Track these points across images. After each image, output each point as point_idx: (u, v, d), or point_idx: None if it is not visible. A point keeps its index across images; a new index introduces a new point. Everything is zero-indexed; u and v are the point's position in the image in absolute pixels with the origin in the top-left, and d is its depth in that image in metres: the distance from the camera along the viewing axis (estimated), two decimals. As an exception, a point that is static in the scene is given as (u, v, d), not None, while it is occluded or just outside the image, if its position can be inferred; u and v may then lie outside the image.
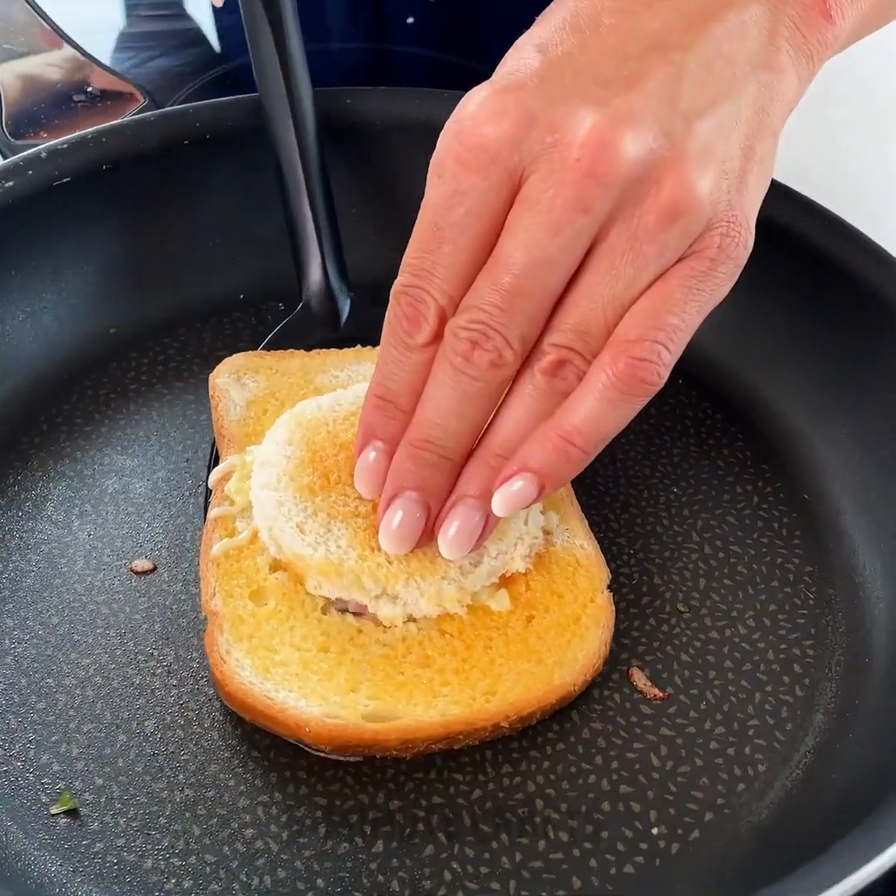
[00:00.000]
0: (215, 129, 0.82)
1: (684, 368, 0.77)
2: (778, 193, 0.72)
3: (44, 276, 0.79)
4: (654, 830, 0.58)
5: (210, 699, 0.62)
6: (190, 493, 0.72)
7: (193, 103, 0.82)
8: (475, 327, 0.53)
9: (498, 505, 0.57)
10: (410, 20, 1.12)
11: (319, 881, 0.56)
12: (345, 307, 0.76)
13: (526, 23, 0.56)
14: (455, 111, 0.53)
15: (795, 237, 0.76)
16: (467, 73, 0.84)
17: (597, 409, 0.53)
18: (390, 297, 0.55)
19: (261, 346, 0.75)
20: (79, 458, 0.73)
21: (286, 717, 0.58)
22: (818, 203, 0.77)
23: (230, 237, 0.83)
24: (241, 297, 0.83)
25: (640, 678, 0.64)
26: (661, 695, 0.63)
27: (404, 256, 0.55)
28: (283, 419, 0.66)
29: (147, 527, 0.70)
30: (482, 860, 0.57)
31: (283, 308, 0.82)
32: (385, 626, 0.62)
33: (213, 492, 0.67)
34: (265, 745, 0.60)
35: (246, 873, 0.56)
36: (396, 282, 0.55)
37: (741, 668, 0.65)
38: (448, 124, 0.53)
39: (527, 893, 0.56)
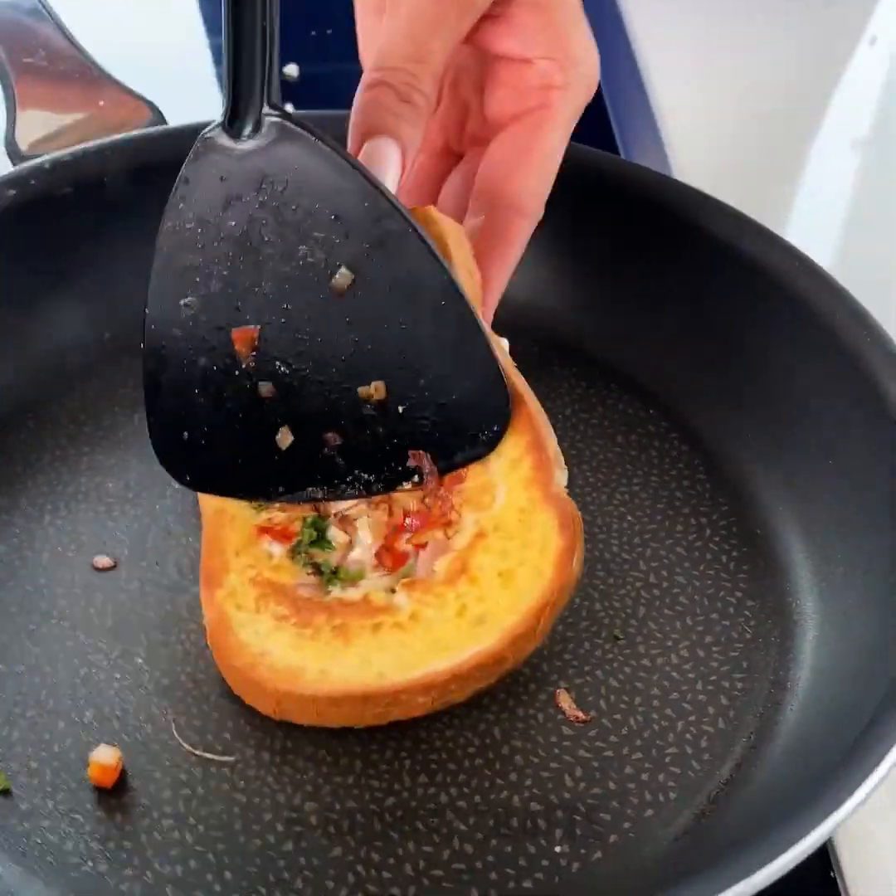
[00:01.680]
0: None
1: (655, 399, 0.80)
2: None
3: (44, 282, 0.82)
4: (558, 848, 0.60)
5: (148, 694, 0.65)
6: (159, 495, 0.75)
7: (201, 121, 0.85)
8: None
9: None
10: None
11: (227, 874, 0.58)
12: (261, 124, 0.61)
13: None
14: None
15: (769, 274, 0.77)
16: None
17: None
18: None
19: None
20: (59, 456, 0.77)
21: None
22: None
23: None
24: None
25: (565, 700, 0.65)
26: (584, 717, 0.65)
27: None
28: None
29: (112, 524, 0.73)
30: (386, 865, 0.59)
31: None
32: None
33: None
34: (193, 741, 0.63)
35: (159, 862, 0.59)
36: None
37: (667, 697, 0.66)
38: None
39: (425, 900, 0.58)
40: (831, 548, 0.71)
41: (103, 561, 0.71)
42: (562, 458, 0.66)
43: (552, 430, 0.67)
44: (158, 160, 0.82)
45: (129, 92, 0.87)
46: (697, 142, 1.06)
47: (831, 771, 0.55)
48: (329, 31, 1.15)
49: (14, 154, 0.84)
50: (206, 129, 0.62)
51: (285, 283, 0.63)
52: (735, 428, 0.79)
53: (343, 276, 0.62)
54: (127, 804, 0.61)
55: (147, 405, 0.66)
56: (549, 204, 0.72)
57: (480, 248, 0.70)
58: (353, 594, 0.65)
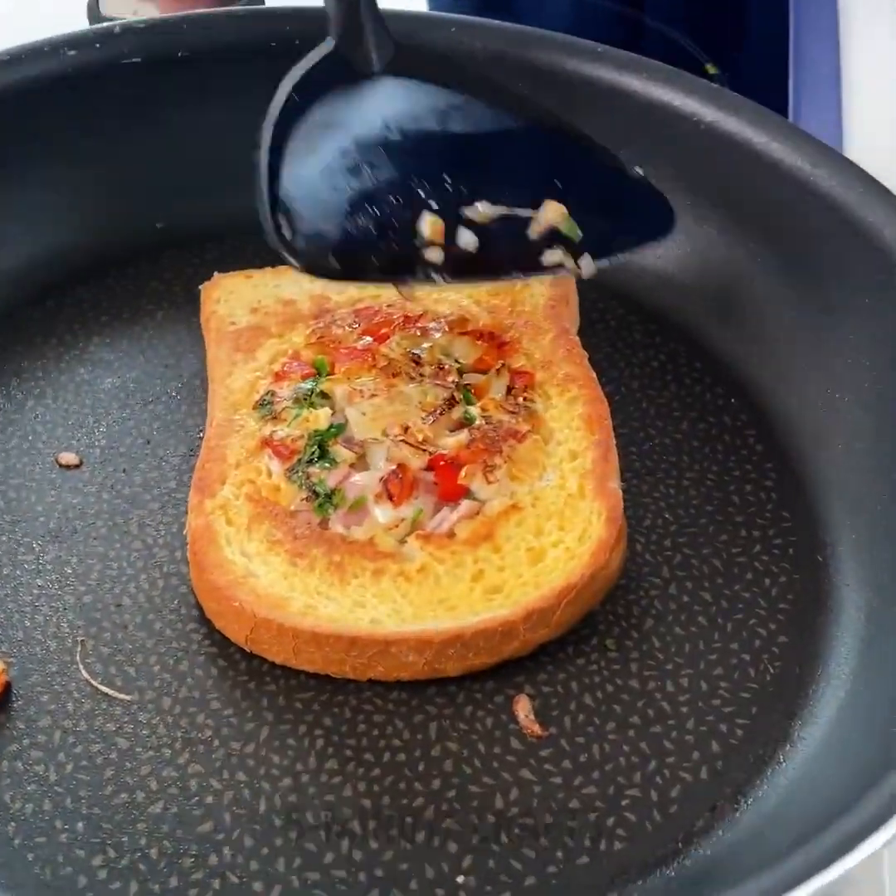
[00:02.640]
0: (305, 35, 0.77)
1: (739, 387, 0.68)
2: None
3: (98, 155, 0.76)
4: (460, 879, 0.50)
5: (65, 609, 0.58)
6: (152, 399, 0.68)
7: (288, 7, 0.78)
8: None
9: None
10: None
11: (80, 825, 0.51)
12: (383, 48, 0.62)
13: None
14: None
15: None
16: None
17: None
18: None
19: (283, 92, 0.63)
20: (67, 341, 0.71)
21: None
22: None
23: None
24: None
25: (524, 708, 0.55)
26: (539, 732, 0.55)
27: None
28: None
29: (93, 422, 0.66)
30: (256, 854, 0.50)
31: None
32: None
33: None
34: (94, 670, 0.56)
35: (11, 795, 0.52)
36: None
37: (648, 729, 0.55)
38: None
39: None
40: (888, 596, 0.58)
41: (68, 458, 0.64)
42: (619, 476, 0.61)
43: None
44: (238, 40, 0.76)
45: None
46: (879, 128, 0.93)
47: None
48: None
49: (94, 17, 0.78)
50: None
51: None
52: (826, 436, 0.66)
53: None
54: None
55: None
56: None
57: None
58: (357, 533, 0.58)
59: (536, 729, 0.55)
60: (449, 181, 0.60)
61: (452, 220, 0.59)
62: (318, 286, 0.69)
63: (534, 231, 0.61)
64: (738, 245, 0.72)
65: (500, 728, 0.55)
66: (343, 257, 0.58)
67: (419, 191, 0.59)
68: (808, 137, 0.70)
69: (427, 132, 0.61)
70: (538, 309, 0.67)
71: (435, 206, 0.59)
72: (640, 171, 0.65)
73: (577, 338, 0.66)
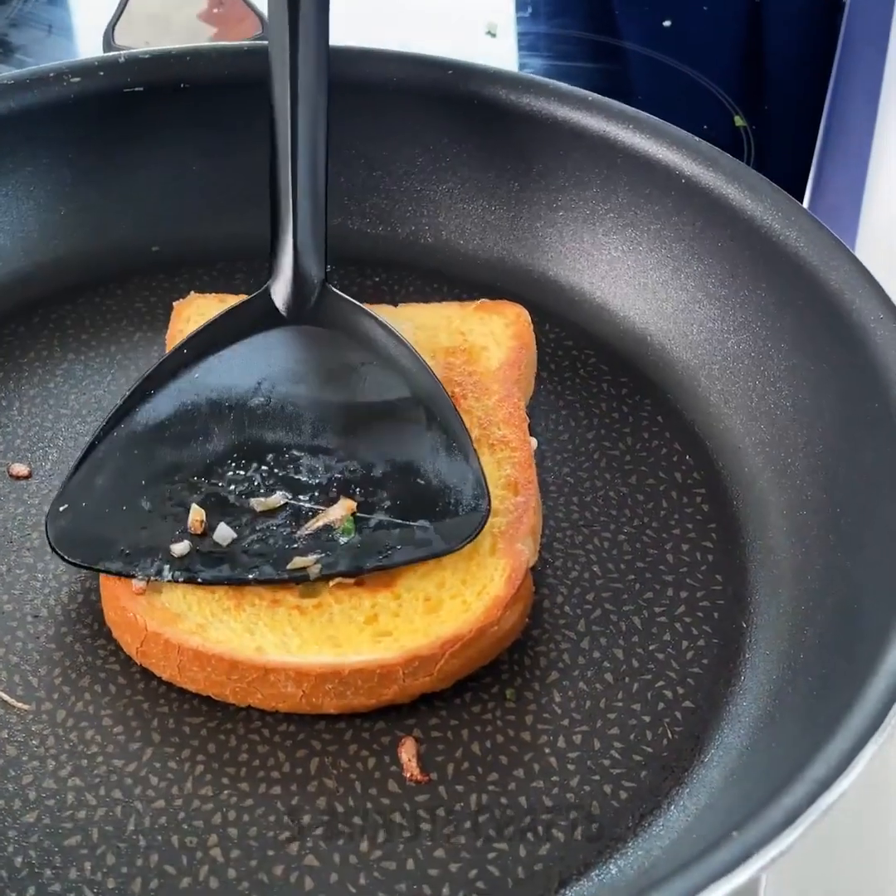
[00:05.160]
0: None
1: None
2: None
3: (96, 178, 0.78)
4: (307, 917, 0.50)
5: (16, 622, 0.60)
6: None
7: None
8: None
9: None
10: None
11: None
12: (312, 295, 0.68)
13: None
14: None
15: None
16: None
17: None
18: None
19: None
20: (44, 356, 0.73)
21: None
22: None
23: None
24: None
25: (408, 751, 0.55)
26: (419, 777, 0.54)
27: None
28: None
29: (50, 435, 0.68)
30: (116, 872, 0.51)
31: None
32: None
33: None
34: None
35: None
36: None
37: (529, 784, 0.54)
38: None
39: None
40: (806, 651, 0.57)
41: (19, 469, 0.66)
42: (538, 538, 0.61)
43: (541, 514, 0.62)
44: (238, 73, 0.78)
45: (246, 1, 0.82)
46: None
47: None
48: None
49: (108, 44, 0.81)
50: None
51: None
52: (770, 505, 0.65)
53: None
54: None
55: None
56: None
57: None
58: None
59: (417, 773, 0.54)
60: (269, 465, 0.60)
61: (234, 509, 0.59)
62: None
63: (308, 527, 0.58)
64: (713, 304, 0.71)
65: (380, 769, 0.55)
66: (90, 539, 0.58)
67: (226, 474, 0.60)
68: (793, 204, 0.68)
69: (295, 399, 0.63)
70: (490, 371, 0.67)
71: (228, 493, 0.59)
72: None
73: (522, 403, 0.66)
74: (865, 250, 0.87)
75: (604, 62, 1.02)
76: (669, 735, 0.56)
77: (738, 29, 1.08)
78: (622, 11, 1.11)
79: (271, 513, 0.59)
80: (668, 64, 1.02)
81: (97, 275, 0.78)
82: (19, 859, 0.51)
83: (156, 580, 0.57)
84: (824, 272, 0.64)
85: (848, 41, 1.03)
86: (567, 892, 0.51)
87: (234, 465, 0.60)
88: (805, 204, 0.89)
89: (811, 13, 1.08)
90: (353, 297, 0.69)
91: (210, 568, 0.57)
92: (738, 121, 0.95)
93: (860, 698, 0.47)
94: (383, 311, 0.70)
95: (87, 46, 1.01)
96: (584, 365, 0.73)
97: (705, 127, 0.95)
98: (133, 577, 0.57)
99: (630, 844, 0.52)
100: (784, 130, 0.95)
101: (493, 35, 1.06)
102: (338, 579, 0.57)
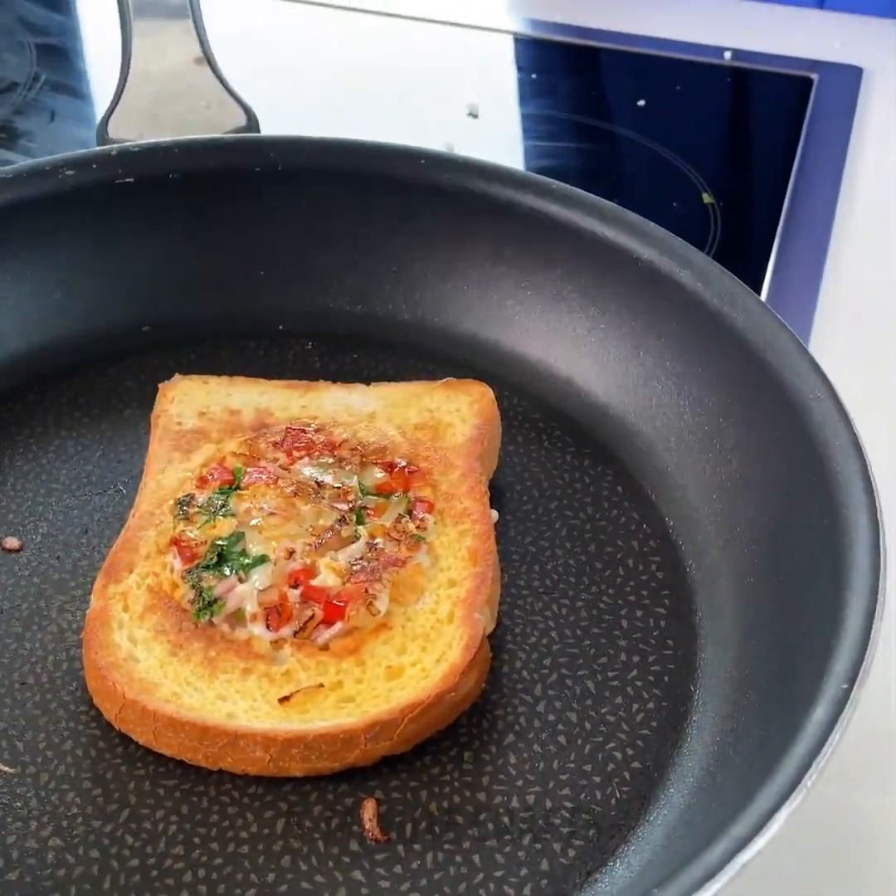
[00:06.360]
0: (287, 163, 0.83)
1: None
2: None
3: (88, 264, 0.83)
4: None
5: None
6: (99, 491, 0.73)
7: (275, 136, 0.84)
8: None
9: None
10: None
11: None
12: None
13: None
14: None
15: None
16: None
17: None
18: None
19: None
20: (38, 433, 0.77)
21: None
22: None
23: (275, 268, 0.84)
24: (281, 327, 0.84)
25: (369, 812, 0.58)
26: (379, 836, 0.58)
27: None
28: None
29: (42, 509, 0.72)
30: None
31: (310, 345, 0.82)
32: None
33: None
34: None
35: None
36: None
37: (483, 843, 0.58)
38: None
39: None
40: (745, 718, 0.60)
41: (11, 542, 0.70)
42: (496, 607, 0.65)
43: (500, 581, 0.66)
44: (225, 165, 0.83)
45: (233, 95, 0.87)
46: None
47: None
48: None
49: (100, 138, 0.86)
50: None
51: None
52: (721, 575, 0.68)
53: None
54: None
55: None
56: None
57: None
58: (240, 634, 0.62)
59: (377, 833, 0.58)
60: None
61: None
62: (265, 399, 0.75)
63: None
64: (670, 380, 0.75)
65: (343, 829, 0.58)
66: None
67: None
68: (740, 287, 0.72)
69: None
70: (455, 447, 0.71)
71: None
72: None
73: (484, 477, 0.70)
74: (825, 319, 0.90)
75: (583, 142, 1.06)
76: (618, 795, 0.59)
77: (709, 109, 1.13)
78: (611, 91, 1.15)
79: None
80: (642, 143, 1.06)
81: (90, 355, 0.82)
82: (-1, 916, 0.55)
83: None
84: (768, 353, 0.68)
85: (813, 122, 1.07)
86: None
87: None
88: (768, 275, 0.93)
89: (779, 96, 1.13)
90: (330, 375, 0.73)
91: None
92: (707, 198, 1.00)
93: (783, 762, 0.50)
94: (357, 390, 0.75)
95: (90, 133, 1.06)
96: (550, 437, 0.77)
97: (675, 204, 0.99)
98: None
99: (577, 901, 0.55)
100: (749, 206, 0.99)
101: (475, 116, 1.10)
102: (305, 646, 0.61)
